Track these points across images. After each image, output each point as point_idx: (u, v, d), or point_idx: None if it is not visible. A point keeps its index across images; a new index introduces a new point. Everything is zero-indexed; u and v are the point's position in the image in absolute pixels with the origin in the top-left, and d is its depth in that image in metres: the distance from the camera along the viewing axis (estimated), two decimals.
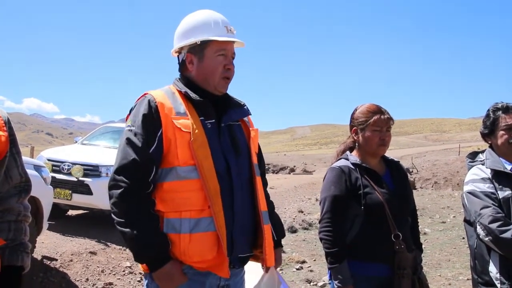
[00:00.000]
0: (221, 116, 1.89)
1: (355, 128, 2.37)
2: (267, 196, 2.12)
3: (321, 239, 2.27)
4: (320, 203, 2.35)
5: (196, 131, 1.76)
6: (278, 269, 2.11)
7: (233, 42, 1.92)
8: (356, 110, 2.39)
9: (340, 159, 2.40)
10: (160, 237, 1.72)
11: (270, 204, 2.12)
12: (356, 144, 2.39)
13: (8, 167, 1.59)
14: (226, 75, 1.89)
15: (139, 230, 1.68)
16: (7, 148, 1.56)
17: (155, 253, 1.70)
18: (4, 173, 1.57)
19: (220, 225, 1.73)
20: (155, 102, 1.79)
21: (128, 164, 1.72)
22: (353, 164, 2.31)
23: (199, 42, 1.87)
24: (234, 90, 2.04)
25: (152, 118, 1.77)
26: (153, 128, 1.76)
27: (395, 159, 2.47)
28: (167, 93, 1.87)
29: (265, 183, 2.14)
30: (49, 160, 6.88)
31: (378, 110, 2.31)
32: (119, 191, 1.71)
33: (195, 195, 1.74)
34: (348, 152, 2.41)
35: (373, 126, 2.28)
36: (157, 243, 1.70)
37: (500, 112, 2.39)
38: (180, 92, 1.88)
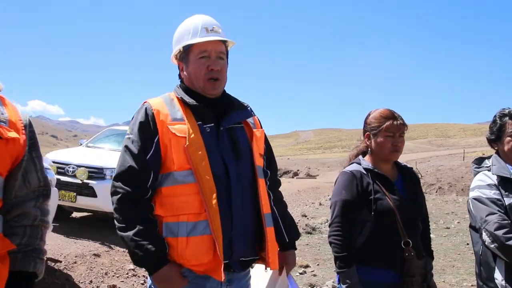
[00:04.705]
0: (221, 120, 1.90)
1: (368, 133, 2.35)
2: (280, 197, 2.13)
3: (330, 243, 2.26)
4: (330, 207, 2.35)
5: (192, 135, 1.78)
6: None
7: (219, 41, 1.90)
8: (369, 115, 2.37)
9: (352, 163, 2.39)
10: (158, 241, 1.73)
11: (283, 205, 2.12)
12: (369, 149, 2.38)
13: (27, 171, 1.56)
14: (210, 77, 1.87)
15: (136, 234, 1.71)
16: (24, 151, 1.54)
17: (152, 257, 1.71)
18: (22, 176, 1.55)
19: (216, 228, 1.73)
20: (152, 109, 1.83)
21: (126, 171, 1.77)
22: (365, 169, 2.30)
23: (182, 49, 1.92)
24: (238, 93, 2.04)
25: (148, 126, 1.81)
26: (150, 135, 1.80)
27: (408, 165, 2.44)
28: (165, 100, 1.90)
29: (277, 182, 2.14)
30: (54, 162, 6.91)
31: (391, 116, 2.28)
32: (117, 197, 1.76)
33: (192, 198, 1.76)
34: (360, 157, 2.39)
35: (386, 132, 2.26)
36: (154, 247, 1.71)
37: (507, 118, 2.39)
38: (178, 98, 1.91)
